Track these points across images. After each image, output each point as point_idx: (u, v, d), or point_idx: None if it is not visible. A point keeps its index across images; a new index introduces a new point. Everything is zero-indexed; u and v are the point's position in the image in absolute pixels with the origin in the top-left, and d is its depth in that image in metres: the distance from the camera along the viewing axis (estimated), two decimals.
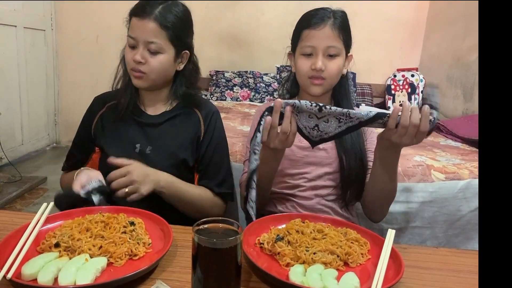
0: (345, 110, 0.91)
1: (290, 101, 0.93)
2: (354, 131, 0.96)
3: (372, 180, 1.10)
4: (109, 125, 1.23)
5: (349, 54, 1.20)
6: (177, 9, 1.15)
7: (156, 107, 1.24)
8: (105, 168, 1.19)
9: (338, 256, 0.82)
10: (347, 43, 1.17)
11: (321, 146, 1.19)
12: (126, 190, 1.04)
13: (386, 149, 0.99)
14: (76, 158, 1.28)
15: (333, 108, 0.91)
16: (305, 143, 1.19)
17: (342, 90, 1.23)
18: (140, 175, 1.05)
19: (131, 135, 1.20)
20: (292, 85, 1.28)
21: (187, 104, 1.23)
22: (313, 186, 1.21)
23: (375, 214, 1.19)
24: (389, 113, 0.89)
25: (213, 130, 1.23)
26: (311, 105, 0.92)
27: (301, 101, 0.92)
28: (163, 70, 1.15)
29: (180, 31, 1.15)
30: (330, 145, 1.20)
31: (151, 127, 1.20)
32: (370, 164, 1.20)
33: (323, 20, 1.13)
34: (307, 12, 1.18)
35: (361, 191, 1.20)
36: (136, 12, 1.12)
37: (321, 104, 0.91)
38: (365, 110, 0.92)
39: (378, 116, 0.90)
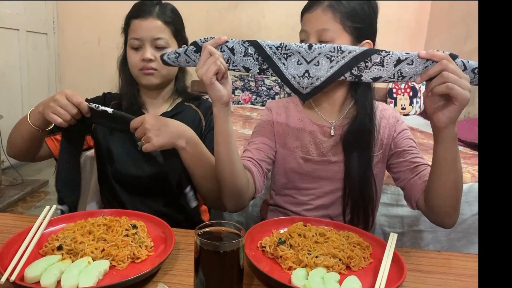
0: (336, 45, 0.85)
1: (273, 42, 0.87)
2: (348, 73, 0.84)
3: (437, 177, 0.91)
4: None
5: (365, 41, 1.02)
6: (171, 7, 1.20)
7: (157, 110, 1.25)
8: (102, 162, 1.20)
9: (340, 259, 0.82)
10: (355, 27, 1.00)
11: (333, 159, 1.08)
12: (142, 140, 0.99)
13: (434, 135, 0.87)
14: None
15: (323, 44, 0.86)
16: (313, 155, 1.10)
17: (366, 92, 1.05)
18: (154, 124, 0.99)
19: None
20: None
21: (188, 99, 1.25)
22: (321, 205, 1.11)
23: (449, 216, 0.95)
24: (383, 50, 0.82)
25: (212, 121, 1.22)
26: (300, 44, 0.86)
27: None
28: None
29: (179, 27, 1.20)
30: (342, 158, 1.08)
31: None
32: (419, 159, 1.05)
33: (315, 2, 1.01)
34: None
35: (367, 214, 1.08)
36: (136, 15, 1.15)
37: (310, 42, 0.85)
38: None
39: (372, 51, 0.82)
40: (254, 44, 0.88)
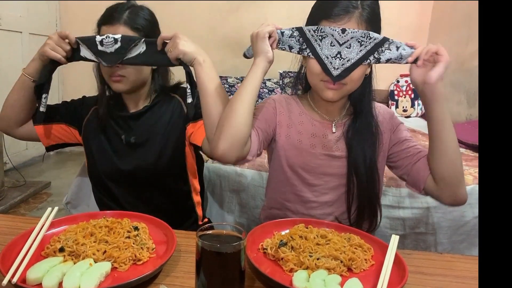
0: (366, 31, 0.96)
1: (311, 27, 0.99)
2: (372, 56, 0.97)
3: (439, 141, 0.98)
4: (96, 121, 1.26)
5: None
6: (144, 12, 1.19)
7: (137, 106, 1.26)
8: (92, 159, 1.24)
9: (341, 261, 0.81)
10: (379, 30, 1.02)
11: (336, 153, 1.09)
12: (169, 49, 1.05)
13: (427, 99, 0.96)
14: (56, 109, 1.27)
15: (355, 29, 0.95)
16: (317, 150, 1.09)
17: (363, 91, 1.08)
18: (186, 37, 1.06)
19: (116, 128, 1.23)
20: (306, 82, 1.12)
21: (165, 93, 1.26)
22: (325, 202, 1.11)
23: (458, 186, 0.98)
24: (389, 38, 0.97)
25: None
26: (334, 27, 0.96)
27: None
28: (140, 70, 1.18)
29: (149, 32, 1.17)
30: (345, 153, 1.08)
31: (133, 120, 1.24)
32: (419, 147, 1.10)
33: (347, 11, 0.98)
34: None
35: (374, 212, 1.09)
36: (105, 21, 1.16)
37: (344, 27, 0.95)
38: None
39: (386, 38, 0.96)
40: (299, 29, 1.00)
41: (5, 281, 0.68)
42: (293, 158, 1.11)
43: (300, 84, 1.18)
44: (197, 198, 1.31)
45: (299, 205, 1.13)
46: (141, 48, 1.08)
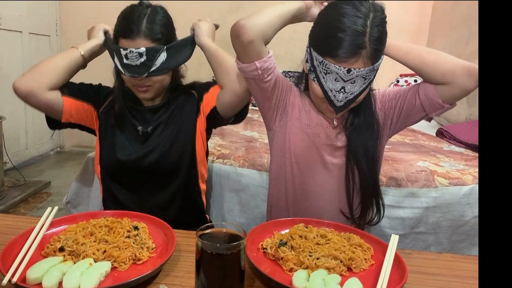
0: (370, 66, 0.95)
1: None
2: (373, 82, 1.01)
3: (415, 66, 1.04)
4: (112, 112, 1.26)
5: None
6: (160, 16, 1.16)
7: (153, 102, 1.28)
8: (105, 149, 1.24)
9: (341, 261, 0.82)
10: (382, 56, 1.01)
11: (339, 143, 1.11)
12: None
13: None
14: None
15: (361, 69, 0.94)
16: (321, 139, 1.12)
17: (364, 100, 1.07)
18: (202, 25, 1.28)
19: (132, 121, 1.25)
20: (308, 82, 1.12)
21: (180, 92, 1.29)
22: (328, 192, 1.14)
23: (461, 66, 0.99)
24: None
25: (203, 83, 1.28)
26: (339, 67, 0.95)
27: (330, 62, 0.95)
28: (164, 78, 1.19)
29: (169, 37, 1.18)
30: (346, 143, 1.11)
31: (150, 113, 1.25)
32: (407, 87, 1.12)
33: (353, 53, 0.93)
34: (333, 31, 0.94)
35: (376, 204, 1.12)
36: (123, 34, 1.13)
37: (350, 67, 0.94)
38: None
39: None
40: (309, 49, 1.02)
41: (5, 281, 0.69)
42: (299, 144, 1.13)
43: (303, 83, 1.19)
44: (203, 186, 1.33)
45: (301, 196, 1.15)
46: (163, 56, 1.13)
